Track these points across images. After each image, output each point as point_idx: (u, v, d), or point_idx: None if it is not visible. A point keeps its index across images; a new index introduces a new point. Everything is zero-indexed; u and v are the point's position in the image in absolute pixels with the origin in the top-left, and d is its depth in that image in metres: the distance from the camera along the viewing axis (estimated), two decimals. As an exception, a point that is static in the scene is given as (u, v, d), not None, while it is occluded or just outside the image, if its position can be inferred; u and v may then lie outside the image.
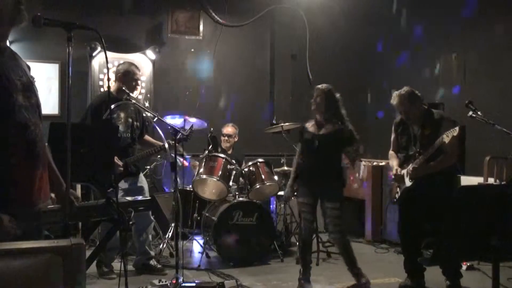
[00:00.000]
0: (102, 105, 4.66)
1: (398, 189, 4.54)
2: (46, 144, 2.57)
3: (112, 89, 4.87)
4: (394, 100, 4.43)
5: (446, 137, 4.03)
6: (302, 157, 4.63)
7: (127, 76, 4.84)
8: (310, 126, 4.58)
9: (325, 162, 4.48)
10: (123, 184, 4.82)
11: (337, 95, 4.54)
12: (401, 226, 4.62)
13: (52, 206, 2.65)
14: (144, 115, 5.09)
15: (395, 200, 4.59)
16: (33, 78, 2.44)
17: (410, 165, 4.36)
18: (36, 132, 2.34)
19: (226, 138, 6.38)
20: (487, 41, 6.27)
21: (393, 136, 4.66)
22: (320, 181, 4.49)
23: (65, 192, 2.43)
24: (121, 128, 4.81)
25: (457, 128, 4.00)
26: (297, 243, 4.82)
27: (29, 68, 2.48)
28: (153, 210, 5.23)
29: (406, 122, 4.50)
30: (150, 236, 5.10)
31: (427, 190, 4.29)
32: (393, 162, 4.60)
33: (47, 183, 2.43)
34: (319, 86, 4.57)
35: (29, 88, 2.36)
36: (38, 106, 2.43)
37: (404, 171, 4.43)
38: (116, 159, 4.62)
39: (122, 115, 4.86)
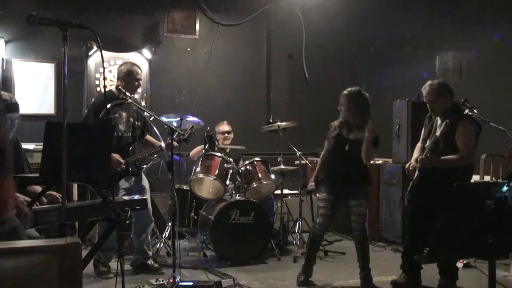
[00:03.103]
0: (104, 105, 4.65)
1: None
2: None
3: (114, 88, 4.86)
4: (424, 89, 4.43)
5: (439, 131, 4.12)
6: (328, 154, 4.62)
7: (130, 76, 4.83)
8: (340, 127, 4.54)
9: (353, 165, 4.50)
10: (124, 184, 4.82)
11: (367, 95, 4.58)
12: (407, 221, 4.62)
13: (47, 206, 2.65)
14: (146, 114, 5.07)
15: (407, 193, 4.60)
16: None
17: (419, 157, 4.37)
18: (5, 138, 2.29)
19: (226, 135, 6.35)
20: (483, 40, 6.29)
21: (423, 129, 4.68)
22: (347, 182, 4.50)
23: (62, 192, 2.42)
24: (122, 127, 4.81)
25: (443, 124, 4.04)
26: (308, 238, 4.80)
27: None
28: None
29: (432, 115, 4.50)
30: (149, 236, 5.10)
31: (434, 187, 4.25)
32: (414, 156, 4.60)
33: (14, 191, 2.39)
34: (346, 92, 4.56)
35: None
36: (3, 111, 2.38)
37: (416, 166, 4.41)
38: (118, 157, 4.62)
39: (123, 114, 4.86)
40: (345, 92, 4.59)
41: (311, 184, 4.82)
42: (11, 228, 2.30)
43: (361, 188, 4.58)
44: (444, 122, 4.11)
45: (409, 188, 4.54)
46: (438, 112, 4.40)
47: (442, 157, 4.23)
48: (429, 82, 4.45)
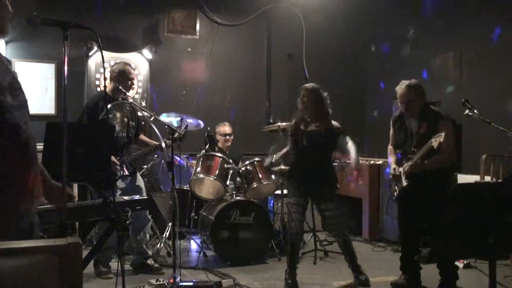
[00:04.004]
0: (98, 105, 4.67)
1: (396, 187, 4.55)
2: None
3: (107, 89, 4.87)
4: (400, 88, 4.42)
5: (435, 142, 4.05)
6: (292, 156, 4.64)
7: (122, 76, 4.83)
8: (298, 124, 4.57)
9: (316, 161, 4.50)
10: (120, 184, 4.82)
11: (325, 94, 4.60)
12: (400, 224, 4.63)
13: (49, 206, 2.64)
14: (140, 114, 5.08)
15: (394, 198, 4.61)
16: (16, 73, 2.40)
17: (406, 163, 4.37)
18: (28, 131, 2.30)
19: (226, 137, 6.36)
20: (484, 40, 6.28)
21: (391, 131, 4.67)
22: (312, 180, 4.49)
23: (62, 190, 2.42)
24: (117, 127, 4.81)
25: (442, 134, 4.01)
26: (288, 242, 4.77)
27: (9, 62, 2.43)
28: (150, 209, 5.22)
29: (403, 116, 4.49)
30: (147, 236, 5.10)
31: (423, 189, 4.29)
32: (391, 159, 4.61)
33: (39, 182, 2.40)
34: (306, 85, 4.61)
35: (14, 86, 2.32)
36: (25, 102, 2.38)
37: (401, 169, 4.43)
38: (113, 158, 4.62)
39: (118, 114, 4.86)
40: (306, 85, 4.60)
41: (274, 157, 4.85)
42: (29, 224, 2.31)
43: (329, 188, 4.56)
44: (444, 133, 4.05)
45: (396, 194, 4.54)
46: (413, 112, 4.40)
47: (428, 160, 4.23)
48: (405, 82, 4.43)
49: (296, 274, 4.60)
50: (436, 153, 4.19)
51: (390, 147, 4.70)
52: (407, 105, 4.40)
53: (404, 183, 4.41)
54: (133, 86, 5.03)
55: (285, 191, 6.09)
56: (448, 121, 4.31)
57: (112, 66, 5.04)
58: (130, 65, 5.01)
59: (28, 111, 2.38)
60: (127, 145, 4.91)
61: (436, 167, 4.25)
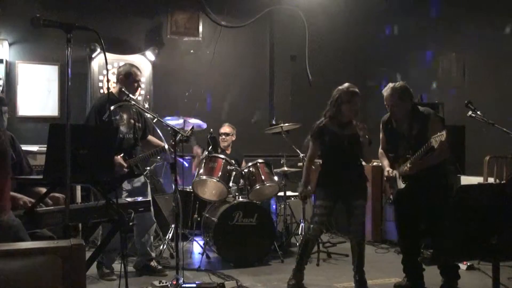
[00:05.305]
0: (105, 106, 4.66)
1: (391, 190, 4.53)
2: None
3: (113, 90, 4.87)
4: (386, 91, 4.38)
5: (435, 142, 4.00)
6: (324, 158, 4.54)
7: (129, 78, 4.84)
8: (331, 125, 4.47)
9: (353, 162, 4.47)
10: (126, 185, 4.82)
11: None
12: (398, 227, 4.61)
13: (52, 207, 2.65)
14: (146, 116, 5.08)
15: (390, 200, 4.59)
16: None
17: (402, 166, 4.34)
18: (6, 141, 2.31)
19: (223, 137, 6.38)
20: (486, 41, 6.28)
21: (381, 134, 4.64)
22: (349, 181, 4.42)
23: (65, 194, 2.42)
24: (123, 129, 4.81)
25: (444, 133, 3.98)
26: (300, 242, 4.74)
27: None
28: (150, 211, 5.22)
29: (391, 118, 4.47)
30: (151, 237, 5.10)
31: (420, 190, 4.27)
32: (384, 162, 4.58)
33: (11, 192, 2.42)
34: (354, 89, 4.44)
35: None
36: (4, 113, 2.38)
37: (396, 172, 4.41)
38: (121, 160, 4.62)
39: (124, 116, 4.86)
40: (355, 89, 4.49)
41: (309, 189, 4.75)
42: (8, 227, 2.31)
43: (361, 187, 4.51)
44: (444, 132, 4.03)
45: (392, 197, 4.52)
46: (398, 115, 4.37)
47: (423, 159, 4.21)
48: (390, 85, 4.39)
49: (303, 276, 4.58)
50: (431, 151, 4.18)
51: (380, 150, 4.65)
52: (392, 108, 4.37)
53: (402, 185, 4.39)
54: (139, 88, 5.03)
55: (288, 193, 6.10)
56: (438, 118, 4.32)
57: (119, 68, 5.04)
58: (136, 67, 5.00)
59: (3, 121, 2.37)
60: (134, 147, 4.91)
61: (431, 164, 4.22)
